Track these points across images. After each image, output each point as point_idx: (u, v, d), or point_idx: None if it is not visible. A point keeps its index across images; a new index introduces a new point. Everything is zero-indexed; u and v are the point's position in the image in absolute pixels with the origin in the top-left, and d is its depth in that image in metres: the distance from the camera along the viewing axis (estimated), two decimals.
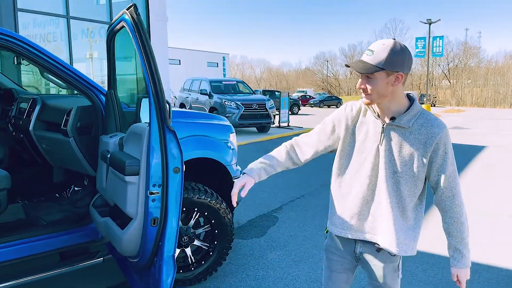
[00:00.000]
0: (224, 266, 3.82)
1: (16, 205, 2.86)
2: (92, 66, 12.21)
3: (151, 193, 1.96)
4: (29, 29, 10.34)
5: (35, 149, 3.20)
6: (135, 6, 1.96)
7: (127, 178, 1.98)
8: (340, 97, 52.56)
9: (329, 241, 1.95)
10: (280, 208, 5.66)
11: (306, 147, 1.91)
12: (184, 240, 3.35)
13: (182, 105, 15.32)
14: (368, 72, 1.61)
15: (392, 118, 1.69)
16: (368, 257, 1.82)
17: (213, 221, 3.44)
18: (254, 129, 14.35)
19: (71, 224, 2.84)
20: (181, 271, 3.38)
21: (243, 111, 12.55)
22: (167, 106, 2.06)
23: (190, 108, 14.56)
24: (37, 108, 3.10)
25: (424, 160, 1.67)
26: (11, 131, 3.41)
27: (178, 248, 3.35)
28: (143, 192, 1.97)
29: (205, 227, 3.46)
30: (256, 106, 12.83)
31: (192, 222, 3.38)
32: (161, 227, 1.97)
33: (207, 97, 13.36)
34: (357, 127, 1.79)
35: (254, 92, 14.55)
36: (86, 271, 2.98)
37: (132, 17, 2.02)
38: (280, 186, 6.88)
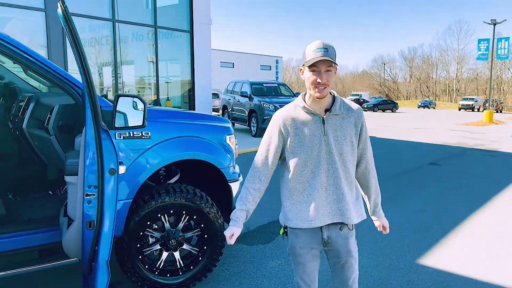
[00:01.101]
0: (219, 271, 3.71)
1: None
2: (153, 69, 12.56)
3: (87, 195, 1.89)
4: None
5: (30, 146, 3.26)
6: None
7: (67, 178, 1.92)
8: (396, 101, 50.73)
9: (293, 240, 2.08)
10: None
11: (264, 173, 2.08)
12: (172, 243, 3.27)
13: (224, 107, 15.43)
14: (332, 65, 1.90)
15: (326, 110, 1.99)
16: (335, 238, 2.05)
17: (202, 225, 3.33)
18: None
19: (54, 221, 2.85)
20: (168, 275, 3.31)
21: None
22: (99, 106, 1.97)
23: (232, 110, 14.61)
24: (31, 105, 3.17)
25: (355, 137, 2.04)
26: (11, 128, 3.52)
27: (166, 251, 3.28)
28: (81, 193, 1.91)
29: (195, 231, 3.35)
30: None
31: (180, 225, 3.30)
32: (97, 230, 1.89)
33: (247, 99, 13.33)
34: (296, 128, 2.00)
35: (295, 95, 14.33)
36: (62, 269, 2.97)
37: (62, 10, 1.94)
38: None
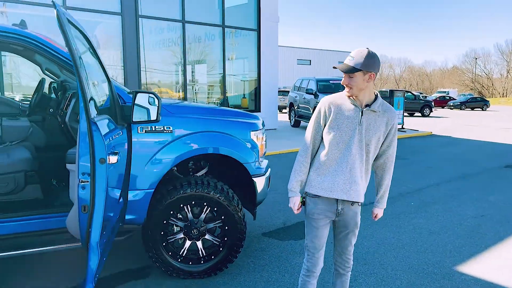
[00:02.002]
0: (244, 263, 3.81)
1: (34, 186, 3.27)
2: (220, 67, 13.06)
3: (81, 181, 2.09)
4: (149, 34, 11.55)
5: (72, 138, 3.61)
6: (53, 3, 2.08)
7: (68, 166, 2.14)
8: (487, 99, 46.86)
9: (312, 207, 2.45)
10: None
11: (313, 149, 2.48)
12: (194, 233, 3.44)
13: (291, 105, 15.45)
14: (350, 72, 2.26)
15: (367, 105, 2.35)
16: (347, 211, 2.44)
17: (223, 217, 3.45)
18: None
19: None
20: (190, 263, 3.48)
21: None
22: (93, 99, 2.14)
23: (298, 107, 14.60)
24: (73, 101, 3.51)
25: (383, 135, 2.39)
26: (59, 122, 3.92)
27: (189, 240, 3.46)
28: (77, 180, 2.11)
29: (216, 222, 3.48)
30: None
31: (202, 216, 3.45)
32: (91, 214, 2.08)
33: (313, 96, 13.23)
34: (338, 112, 2.36)
35: None
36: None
37: (56, 12, 2.13)
38: None
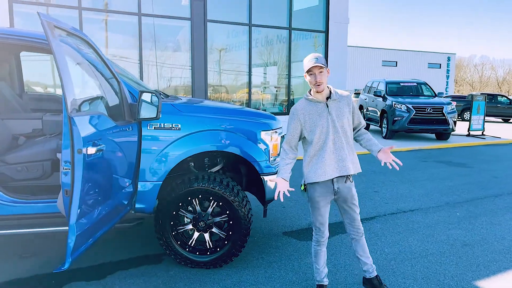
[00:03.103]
0: (253, 258, 3.93)
1: (59, 173, 3.69)
2: (298, 69, 13.27)
3: (64, 169, 2.38)
4: (216, 37, 12.07)
5: None
6: (38, 13, 2.35)
7: (57, 155, 2.44)
8: None
9: (312, 192, 3.00)
10: (373, 219, 5.24)
11: (294, 146, 3.05)
12: (201, 225, 3.65)
13: (361, 107, 15.07)
14: (323, 68, 2.85)
15: (327, 98, 2.96)
16: (342, 188, 2.99)
17: (228, 212, 3.62)
18: (433, 135, 13.01)
19: None
20: (197, 253, 3.69)
21: (413, 115, 11.54)
22: (73, 95, 2.41)
23: (367, 110, 14.22)
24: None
25: (349, 113, 3.01)
26: None
27: (197, 231, 3.68)
28: (62, 167, 2.41)
29: (222, 216, 3.66)
30: (430, 110, 11.59)
31: (210, 209, 3.65)
32: (70, 198, 2.36)
33: (381, 99, 12.80)
34: (309, 113, 2.94)
35: (437, 95, 13.12)
36: None
37: (41, 21, 2.40)
38: (388, 196, 6.28)
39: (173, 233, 3.65)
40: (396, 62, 47.24)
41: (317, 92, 2.93)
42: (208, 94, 11.96)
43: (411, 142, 11.87)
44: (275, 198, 3.00)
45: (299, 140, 3.05)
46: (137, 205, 3.49)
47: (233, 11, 12.10)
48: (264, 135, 3.81)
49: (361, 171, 3.10)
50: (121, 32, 10.92)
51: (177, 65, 11.70)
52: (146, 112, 3.15)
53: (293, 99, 13.71)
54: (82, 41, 2.92)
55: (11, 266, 3.62)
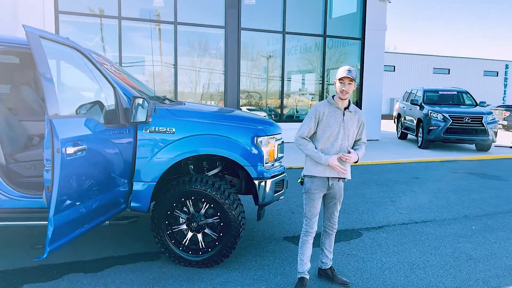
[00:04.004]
0: (247, 260, 4.03)
1: None
2: (332, 76, 13.31)
3: (46, 166, 2.61)
4: (249, 44, 12.29)
5: None
6: (23, 25, 2.58)
7: (43, 154, 2.69)
8: None
9: (310, 184, 3.40)
10: (380, 228, 5.17)
11: (308, 138, 3.43)
12: (194, 225, 3.81)
13: (399, 116, 14.70)
14: (353, 81, 3.28)
15: (346, 108, 3.39)
16: (335, 185, 3.42)
17: (218, 214, 3.75)
18: (473, 146, 12.44)
19: None
20: (190, 252, 3.85)
21: (450, 125, 11.11)
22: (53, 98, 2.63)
23: (404, 118, 13.85)
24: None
25: (357, 128, 3.45)
26: None
27: (190, 231, 3.84)
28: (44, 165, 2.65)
29: (214, 218, 3.79)
30: (468, 119, 11.10)
31: (202, 211, 3.80)
32: (50, 193, 2.59)
33: (418, 107, 12.43)
34: (327, 115, 3.36)
35: (478, 104, 12.54)
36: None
37: (25, 33, 2.64)
38: (404, 206, 6.13)
39: (168, 232, 3.83)
40: (449, 69, 45.39)
41: (340, 99, 3.34)
42: (241, 100, 12.20)
43: (447, 153, 11.45)
44: (339, 175, 3.37)
45: (312, 132, 3.42)
46: (132, 204, 3.71)
47: (267, 19, 12.29)
48: (257, 140, 3.91)
49: (350, 178, 3.51)
50: (157, 39, 11.40)
51: (211, 71, 12.04)
52: (138, 116, 3.36)
53: None
54: (75, 51, 3.18)
55: (21, 255, 3.95)
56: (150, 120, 3.45)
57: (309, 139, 3.42)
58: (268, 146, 4.01)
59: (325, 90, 13.20)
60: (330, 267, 3.68)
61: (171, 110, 3.82)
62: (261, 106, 12.72)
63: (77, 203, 2.91)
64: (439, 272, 3.94)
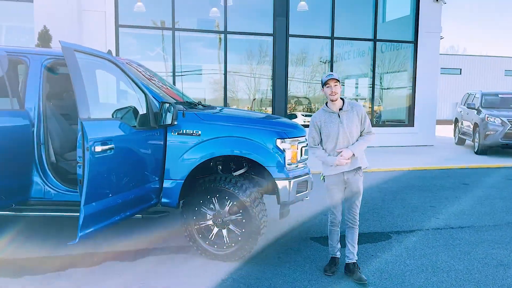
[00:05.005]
0: (270, 256, 4.23)
1: None
2: (383, 81, 13.24)
3: (78, 163, 2.99)
4: (297, 50, 12.47)
5: None
6: (59, 41, 2.96)
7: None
8: None
9: (328, 182, 3.80)
10: (411, 232, 5.14)
11: (318, 144, 3.83)
12: (219, 221, 4.08)
13: (456, 120, 14.10)
14: (338, 82, 3.64)
15: (340, 109, 3.70)
16: (351, 179, 3.75)
17: (240, 211, 3.99)
18: None
19: None
20: (215, 246, 4.12)
21: (508, 129, 10.51)
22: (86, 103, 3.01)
23: (461, 123, 13.29)
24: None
25: (359, 122, 3.73)
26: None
27: (216, 227, 4.11)
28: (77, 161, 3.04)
29: (237, 215, 4.04)
30: None
31: (226, 208, 4.06)
32: (82, 186, 2.96)
33: (475, 111, 11.88)
34: (325, 120, 3.71)
35: None
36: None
37: (61, 47, 3.02)
38: (443, 211, 5.97)
39: (196, 227, 4.13)
40: None
41: (331, 101, 3.68)
42: (290, 105, 12.41)
43: (506, 159, 10.85)
44: (339, 163, 3.66)
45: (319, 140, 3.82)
46: (162, 200, 4.06)
47: (315, 25, 12.42)
48: (279, 142, 4.11)
49: (368, 165, 3.85)
50: (208, 48, 11.96)
51: (260, 78, 12.37)
52: (165, 119, 3.70)
53: (380, 111, 13.46)
54: (109, 62, 3.59)
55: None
56: (176, 123, 3.78)
57: (318, 146, 3.80)
58: (290, 148, 4.19)
59: (375, 95, 13.03)
60: (354, 262, 3.83)
61: (198, 114, 4.13)
62: (312, 111, 12.81)
63: (107, 196, 3.29)
64: (463, 277, 3.89)
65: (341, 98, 3.75)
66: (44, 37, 8.11)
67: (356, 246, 3.88)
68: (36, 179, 4.01)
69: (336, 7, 12.19)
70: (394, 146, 12.65)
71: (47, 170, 4.02)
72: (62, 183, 4.01)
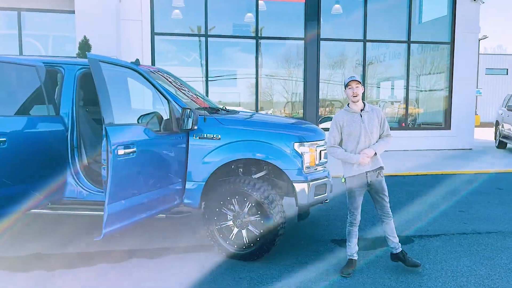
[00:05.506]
0: (288, 257, 4.34)
1: None
2: (418, 83, 13.07)
3: (102, 164, 3.23)
4: (328, 53, 12.47)
5: None
6: (87, 54, 3.19)
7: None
8: None
9: (350, 184, 3.90)
10: (435, 236, 5.09)
11: (338, 144, 3.95)
12: (238, 222, 4.24)
13: (497, 123, 13.59)
14: (360, 84, 3.82)
15: (362, 110, 3.86)
16: (374, 181, 3.88)
17: (259, 212, 4.13)
18: None
19: None
20: (235, 246, 4.28)
21: None
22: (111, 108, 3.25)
23: (502, 126, 12.80)
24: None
25: (378, 124, 3.89)
26: None
27: (236, 228, 4.27)
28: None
29: (256, 216, 4.18)
30: None
31: (246, 209, 4.21)
32: (106, 186, 3.20)
33: None
34: (347, 120, 3.86)
35: None
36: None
37: (88, 58, 3.27)
38: (472, 216, 5.84)
39: (217, 227, 4.30)
40: None
41: (353, 102, 3.84)
42: (321, 108, 12.44)
43: None
44: (362, 161, 3.78)
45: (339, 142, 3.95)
46: (185, 200, 4.27)
47: (346, 28, 12.39)
48: (297, 146, 4.23)
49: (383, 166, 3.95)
50: (241, 52, 12.22)
51: (291, 82, 12.48)
52: (186, 124, 3.91)
53: (415, 114, 13.23)
54: (133, 71, 3.84)
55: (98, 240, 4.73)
56: (196, 127, 3.99)
57: (338, 146, 3.92)
58: (309, 152, 4.30)
59: (409, 97, 12.81)
60: (401, 250, 4.03)
61: (219, 118, 4.31)
62: None
63: (130, 196, 3.53)
64: (483, 282, 3.85)
65: (362, 102, 3.91)
66: (84, 47, 8.58)
67: (396, 236, 4.04)
68: (70, 180, 4.33)
69: (368, 10, 12.12)
70: (429, 150, 12.39)
71: (80, 172, 4.33)
72: (93, 184, 4.30)
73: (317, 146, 4.41)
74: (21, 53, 11.01)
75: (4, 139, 3.65)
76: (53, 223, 5.24)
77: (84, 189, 4.29)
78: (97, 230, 4.95)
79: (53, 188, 4.22)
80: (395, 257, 4.07)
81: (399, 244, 4.05)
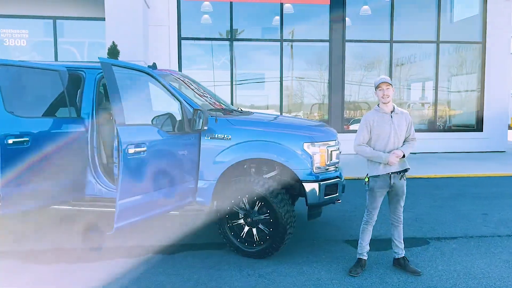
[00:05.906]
0: (299, 256, 4.39)
1: None
2: (448, 84, 12.84)
3: (114, 162, 3.39)
4: (353, 55, 12.38)
5: None
6: (98, 57, 3.36)
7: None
8: None
9: (373, 184, 3.92)
10: (452, 239, 5.00)
11: (365, 143, 3.96)
12: (249, 220, 4.33)
13: None
14: (390, 86, 3.85)
15: (392, 111, 3.91)
16: (397, 183, 3.89)
17: (268, 211, 4.21)
18: None
19: None
20: (246, 244, 4.37)
21: None
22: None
23: None
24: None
25: (406, 127, 3.94)
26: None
27: (247, 226, 4.36)
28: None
29: (266, 215, 4.25)
30: None
31: (256, 208, 4.30)
32: (118, 183, 3.36)
33: None
34: (378, 120, 3.88)
35: None
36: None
37: (100, 62, 3.44)
38: (494, 220, 5.67)
39: (228, 225, 4.41)
40: None
41: (383, 103, 3.88)
42: (347, 110, 12.37)
43: None
44: (392, 160, 3.80)
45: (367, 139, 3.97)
46: (197, 199, 4.41)
47: (372, 29, 12.28)
48: (307, 146, 4.28)
49: (409, 167, 3.96)
50: (266, 55, 12.35)
51: (317, 83, 12.47)
52: (197, 125, 4.05)
53: (445, 115, 12.92)
54: (148, 74, 4.02)
55: (118, 236, 4.93)
56: (206, 128, 4.12)
57: (366, 145, 3.94)
58: (319, 152, 4.34)
59: (438, 98, 12.52)
60: (403, 256, 4.07)
61: (230, 119, 4.43)
62: None
63: (141, 193, 3.69)
64: (495, 284, 3.78)
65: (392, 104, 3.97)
66: (113, 52, 8.92)
67: (403, 242, 4.09)
68: (90, 178, 4.55)
69: (395, 11, 11.97)
70: (461, 152, 12.07)
71: (99, 170, 4.54)
72: (112, 182, 4.51)
73: (328, 147, 4.44)
74: (56, 59, 11.57)
75: (27, 139, 3.91)
76: (73, 218, 5.51)
77: (103, 187, 4.50)
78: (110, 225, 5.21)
79: (74, 186, 4.45)
80: (396, 262, 4.10)
81: (403, 250, 4.09)
